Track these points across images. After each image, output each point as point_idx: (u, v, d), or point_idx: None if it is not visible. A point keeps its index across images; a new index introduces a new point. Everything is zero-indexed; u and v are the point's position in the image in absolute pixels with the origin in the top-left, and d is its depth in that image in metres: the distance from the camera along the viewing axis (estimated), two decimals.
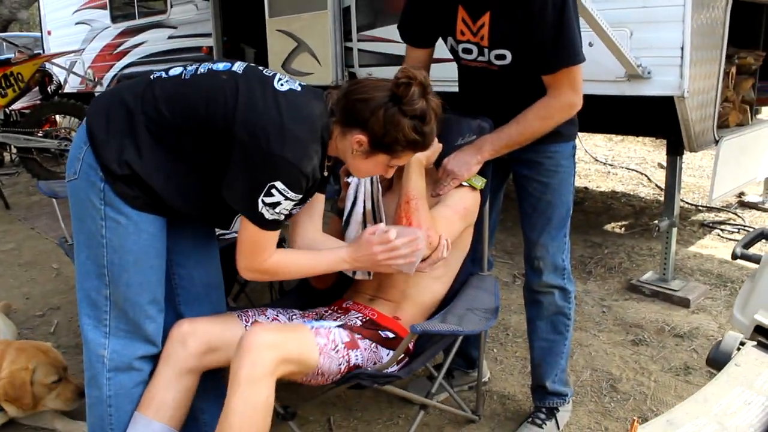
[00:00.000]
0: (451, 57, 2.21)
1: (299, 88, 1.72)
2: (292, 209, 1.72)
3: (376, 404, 2.60)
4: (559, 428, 2.40)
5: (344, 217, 2.14)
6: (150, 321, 1.81)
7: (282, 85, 1.70)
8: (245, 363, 1.60)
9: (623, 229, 4.74)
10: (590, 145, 7.73)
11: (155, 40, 6.77)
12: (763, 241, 1.58)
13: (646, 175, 6.29)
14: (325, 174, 1.84)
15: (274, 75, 1.73)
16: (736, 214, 4.95)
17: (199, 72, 1.73)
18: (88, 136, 1.71)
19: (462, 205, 2.06)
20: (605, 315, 3.35)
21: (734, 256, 1.46)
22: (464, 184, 2.09)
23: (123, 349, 1.79)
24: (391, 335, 2.00)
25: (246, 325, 1.92)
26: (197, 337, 1.83)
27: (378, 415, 2.53)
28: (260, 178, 1.60)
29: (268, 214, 1.64)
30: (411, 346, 2.07)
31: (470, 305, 2.03)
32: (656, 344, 3.02)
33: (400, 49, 2.32)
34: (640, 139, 7.66)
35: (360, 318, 2.04)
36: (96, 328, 1.78)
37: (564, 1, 1.86)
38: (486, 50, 2.02)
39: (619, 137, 7.97)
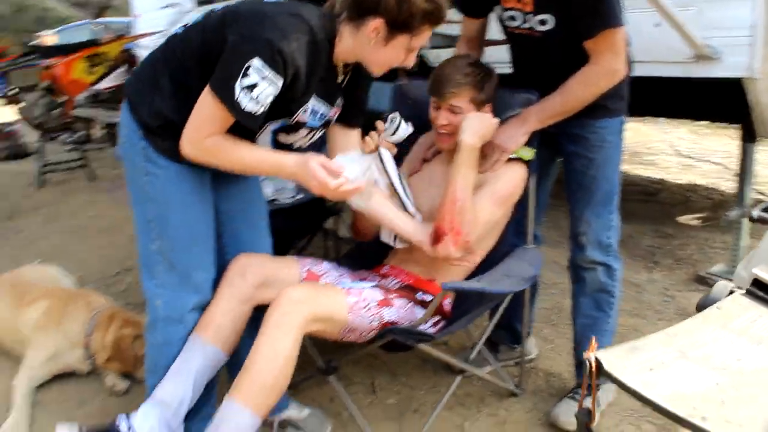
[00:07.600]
0: (504, 38, 2.25)
1: None
2: (269, 101, 1.67)
3: (420, 371, 2.66)
4: (600, 406, 2.38)
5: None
6: (201, 271, 1.89)
7: None
8: (276, 312, 1.70)
9: (698, 221, 4.58)
10: (674, 138, 7.48)
11: None
12: None
13: (729, 168, 6.01)
14: (339, 81, 1.87)
15: None
16: None
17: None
18: (126, 102, 1.83)
19: (507, 190, 2.08)
20: (667, 304, 3.26)
21: (751, 219, 1.45)
22: (513, 156, 2.10)
23: (173, 301, 1.87)
24: (428, 298, 2.05)
25: (302, 270, 2.02)
26: (254, 270, 1.93)
27: (421, 383, 2.58)
28: (238, 59, 1.61)
29: (245, 101, 1.62)
30: (449, 308, 2.11)
31: (507, 272, 2.06)
32: None
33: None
34: (728, 132, 7.31)
35: (398, 283, 2.09)
36: (149, 280, 1.88)
37: None
38: (530, 16, 2.06)
39: (707, 130, 7.69)
